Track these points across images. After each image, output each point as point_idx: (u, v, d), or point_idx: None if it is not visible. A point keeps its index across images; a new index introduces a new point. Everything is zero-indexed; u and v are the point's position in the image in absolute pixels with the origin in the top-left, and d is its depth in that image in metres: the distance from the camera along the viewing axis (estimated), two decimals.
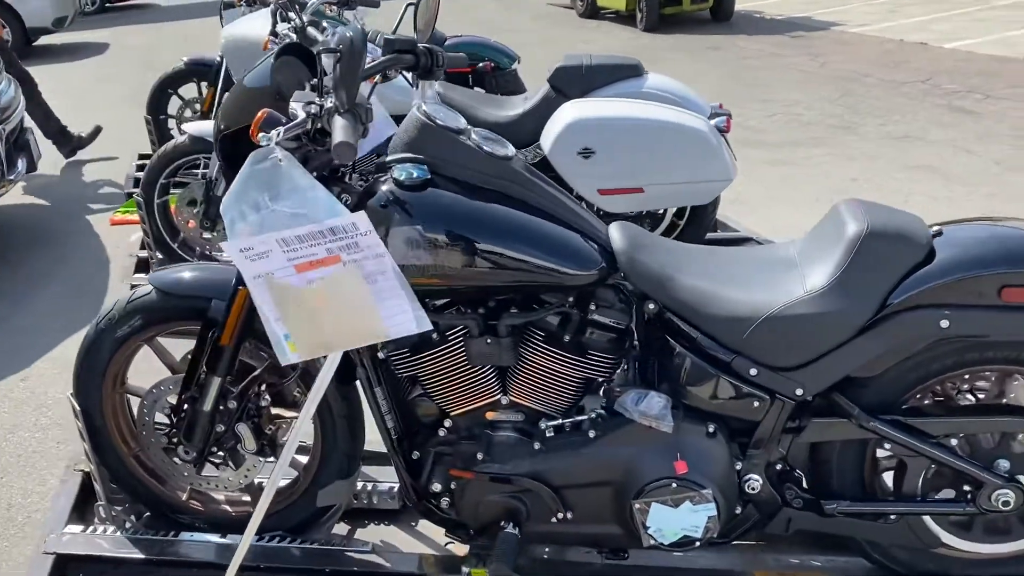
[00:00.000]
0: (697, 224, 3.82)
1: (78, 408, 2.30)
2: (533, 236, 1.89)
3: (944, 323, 1.79)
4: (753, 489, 1.97)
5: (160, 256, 4.17)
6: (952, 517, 1.98)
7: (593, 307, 1.98)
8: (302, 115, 1.71)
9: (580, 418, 2.01)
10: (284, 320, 1.74)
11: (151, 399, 2.28)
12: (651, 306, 1.96)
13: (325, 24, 3.57)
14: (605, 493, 1.96)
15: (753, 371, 1.88)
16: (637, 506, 1.91)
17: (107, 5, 15.62)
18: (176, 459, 2.29)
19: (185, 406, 2.20)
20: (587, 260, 1.91)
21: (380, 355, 2.10)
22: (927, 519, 1.98)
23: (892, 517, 1.98)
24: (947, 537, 2.00)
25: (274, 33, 3.51)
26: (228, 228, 1.67)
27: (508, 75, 5.25)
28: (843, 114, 6.62)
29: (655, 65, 9.10)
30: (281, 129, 1.67)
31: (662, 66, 8.86)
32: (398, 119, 2.20)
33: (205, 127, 4.03)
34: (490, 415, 2.08)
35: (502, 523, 1.98)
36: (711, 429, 1.91)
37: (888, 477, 2.07)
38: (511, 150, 1.98)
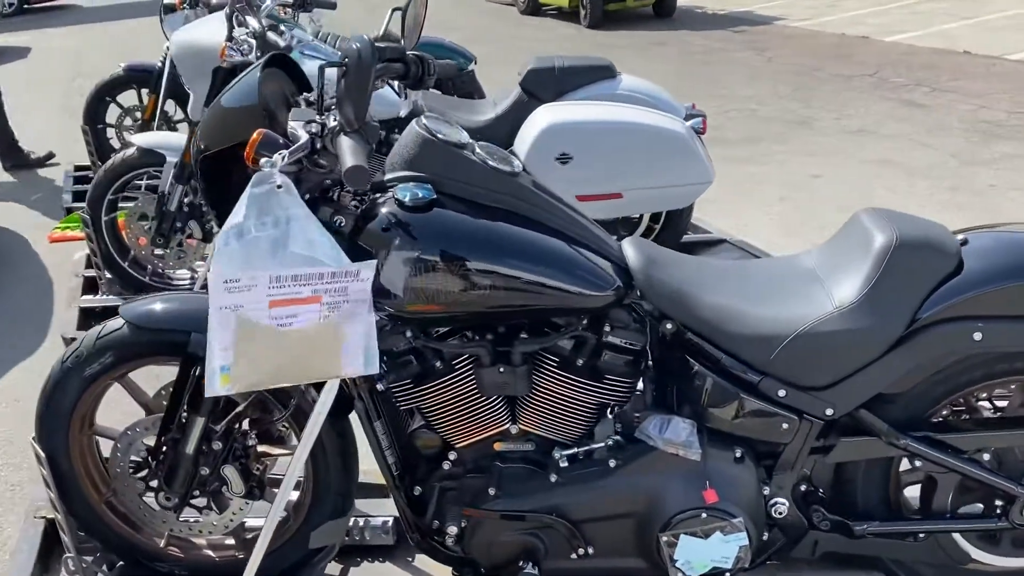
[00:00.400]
0: (673, 228, 3.75)
1: (42, 453, 2.10)
2: (547, 257, 1.77)
3: (977, 336, 1.73)
4: (780, 513, 1.88)
5: (109, 276, 3.93)
6: (980, 532, 1.93)
7: (608, 328, 1.87)
8: (304, 136, 1.57)
9: (597, 446, 1.90)
10: (231, 352, 1.60)
11: (126, 441, 2.10)
12: (668, 326, 1.86)
13: (283, 28, 3.40)
14: (628, 526, 1.85)
15: (781, 392, 1.79)
16: (665, 539, 1.80)
17: (25, 6, 14.94)
18: (154, 504, 2.11)
19: (164, 448, 2.02)
20: (604, 280, 1.80)
21: (379, 387, 1.96)
22: (956, 535, 1.92)
23: (921, 535, 1.91)
24: (976, 553, 1.94)
25: (231, 39, 3.31)
26: (216, 256, 1.52)
27: (466, 76, 5.12)
28: (797, 109, 6.65)
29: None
30: (285, 153, 1.52)
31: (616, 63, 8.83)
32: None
33: (155, 138, 3.81)
34: (498, 446, 1.96)
35: (520, 563, 1.86)
36: (738, 454, 1.82)
37: (910, 493, 2.00)
38: (517, 164, 1.86)
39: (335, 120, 1.57)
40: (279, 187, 1.48)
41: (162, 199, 3.69)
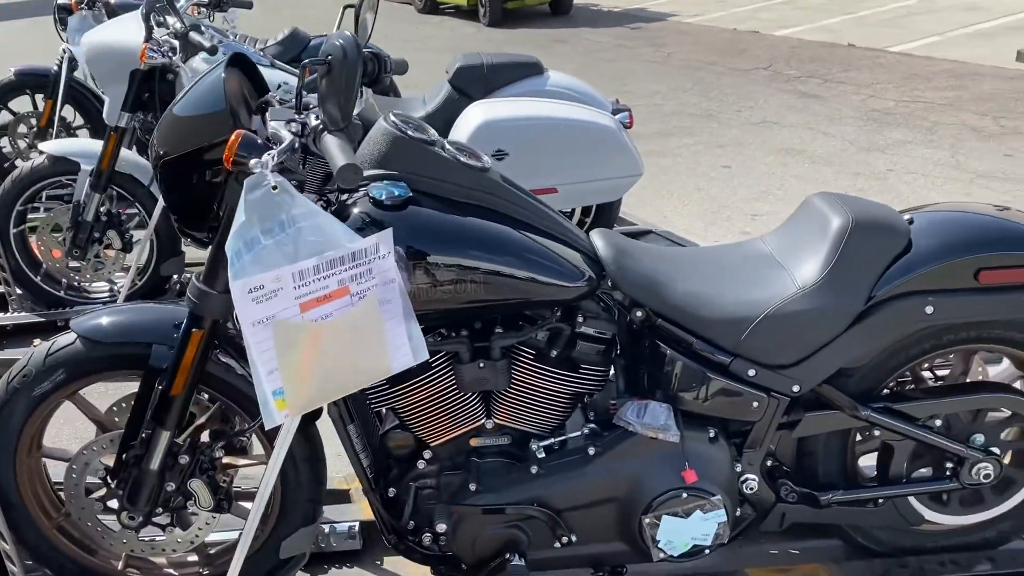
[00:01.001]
0: (603, 220, 3.82)
1: None
2: (523, 250, 1.79)
3: (929, 309, 1.84)
4: (751, 489, 1.95)
5: (20, 292, 3.73)
6: (932, 495, 2.05)
7: (580, 319, 1.90)
8: (287, 136, 1.53)
9: (574, 435, 1.93)
10: (279, 372, 1.54)
11: (81, 461, 2.00)
12: (639, 313, 1.90)
13: (204, 28, 3.30)
14: (611, 511, 1.89)
15: (751, 372, 1.86)
16: (647, 521, 1.85)
17: None
18: (113, 525, 2.03)
19: (126, 466, 1.94)
20: (579, 271, 1.83)
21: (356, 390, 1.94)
22: (912, 499, 2.04)
23: (881, 501, 2.02)
24: (929, 514, 2.06)
25: (150, 39, 3.19)
26: (232, 267, 1.46)
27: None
28: (701, 103, 6.86)
29: None
30: (274, 152, 1.48)
31: None
32: None
33: (68, 146, 3.63)
34: (474, 441, 1.96)
35: (507, 555, 1.87)
36: (712, 434, 1.88)
37: (864, 463, 2.11)
38: (487, 160, 1.87)
39: (316, 119, 1.54)
40: (274, 188, 1.45)
41: (77, 209, 3.53)
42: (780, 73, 7.70)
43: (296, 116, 1.58)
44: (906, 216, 1.93)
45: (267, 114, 1.65)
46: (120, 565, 2.15)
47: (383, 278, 1.55)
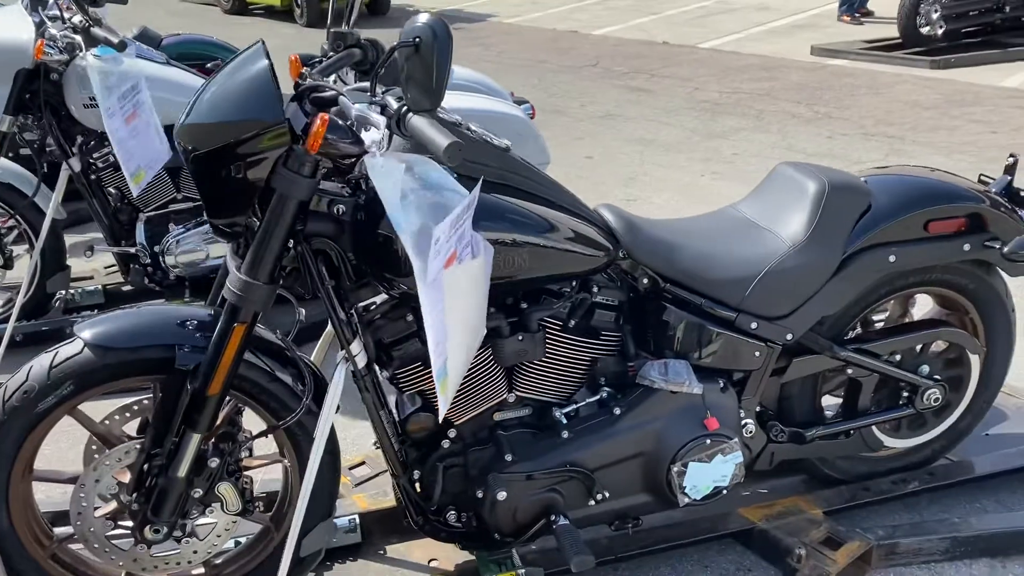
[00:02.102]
0: None
1: None
2: (555, 225, 1.89)
3: (892, 258, 2.12)
4: (749, 432, 2.16)
5: None
6: (890, 422, 2.34)
7: (595, 289, 2.02)
8: (378, 118, 1.53)
9: (596, 398, 2.04)
10: (448, 344, 1.56)
11: (91, 479, 1.87)
12: (645, 280, 2.05)
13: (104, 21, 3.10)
14: (639, 464, 2.02)
15: (753, 324, 2.06)
16: (675, 469, 2.00)
17: None
18: (122, 544, 1.92)
19: (150, 476, 1.84)
20: (600, 243, 1.95)
21: (384, 374, 1.96)
22: (874, 428, 2.32)
23: (852, 432, 2.29)
24: (888, 440, 2.36)
25: (44, 35, 2.95)
26: (403, 223, 1.49)
27: None
28: (546, 99, 7.13)
29: None
30: (384, 133, 1.48)
31: None
32: None
33: None
34: (497, 415, 2.04)
35: (552, 517, 1.95)
36: (722, 384, 2.07)
37: (826, 401, 2.38)
38: (506, 141, 1.94)
39: (397, 101, 1.56)
40: (383, 166, 1.46)
41: None
42: (609, 70, 8.14)
43: (374, 97, 1.58)
44: (863, 179, 2.20)
45: (341, 96, 1.63)
46: None
47: (468, 237, 1.58)
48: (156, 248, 3.43)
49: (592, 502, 2.02)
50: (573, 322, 2.01)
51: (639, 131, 6.24)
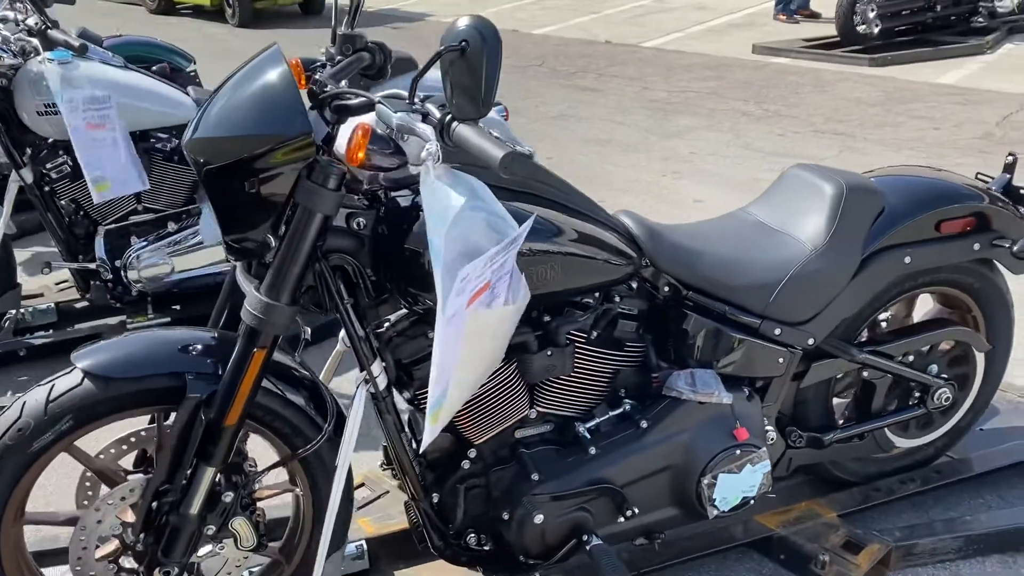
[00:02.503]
0: None
1: None
2: (582, 234, 1.82)
3: (907, 259, 2.12)
4: (771, 440, 2.13)
5: None
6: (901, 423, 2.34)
7: (617, 299, 1.96)
8: (425, 127, 1.43)
9: (619, 411, 1.98)
10: (452, 376, 1.45)
11: (92, 520, 1.73)
12: (666, 288, 2.00)
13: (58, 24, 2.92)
14: (668, 477, 1.97)
15: (777, 331, 2.02)
16: (706, 481, 1.95)
17: None
18: None
19: (160, 513, 1.71)
20: (627, 251, 1.89)
21: (405, 396, 1.86)
22: (887, 429, 2.32)
23: (866, 435, 2.28)
24: (898, 441, 2.36)
25: None
26: (441, 252, 1.39)
27: (186, 77, 4.73)
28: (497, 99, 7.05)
29: None
30: (436, 144, 1.39)
31: None
32: None
33: None
34: (518, 433, 1.96)
35: (583, 536, 1.88)
36: (747, 392, 2.03)
37: (837, 403, 2.37)
38: (529, 147, 1.86)
39: (439, 108, 1.47)
40: (439, 177, 1.36)
41: None
42: (555, 70, 8.10)
43: (414, 105, 1.49)
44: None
45: (376, 107, 1.53)
46: None
47: (509, 267, 1.50)
48: (117, 263, 3.24)
49: (621, 519, 1.95)
50: (596, 334, 1.94)
51: (595, 131, 6.21)
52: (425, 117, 1.47)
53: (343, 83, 1.78)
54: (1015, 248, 2.17)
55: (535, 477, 1.89)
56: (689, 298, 2.00)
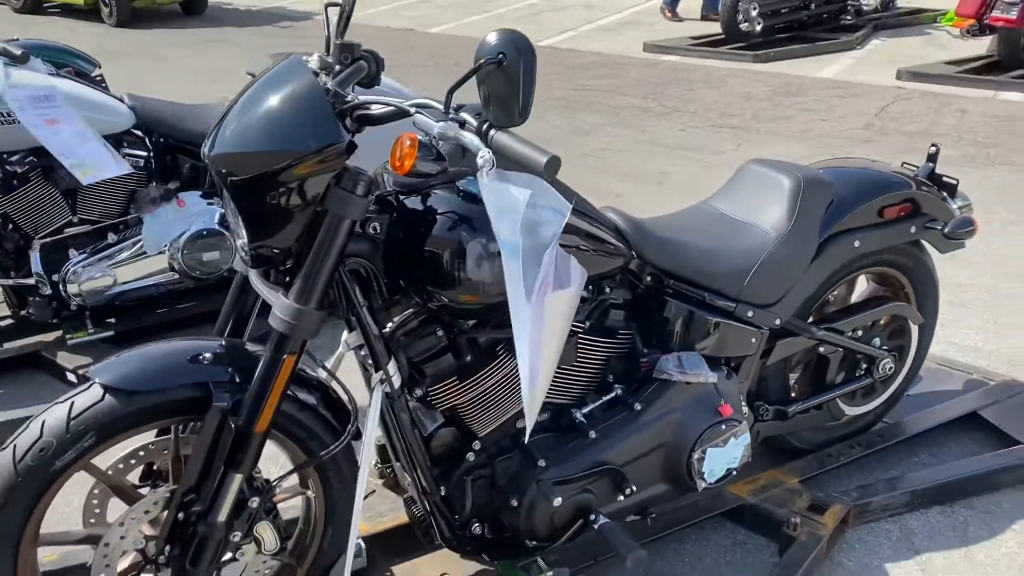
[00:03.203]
0: None
1: None
2: (581, 230, 1.92)
3: (857, 243, 2.33)
4: (745, 415, 2.29)
5: None
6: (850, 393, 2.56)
7: (608, 289, 2.08)
8: (472, 136, 1.49)
9: (612, 395, 2.10)
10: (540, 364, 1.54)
11: (116, 537, 1.71)
12: (649, 278, 2.13)
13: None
14: (662, 455, 2.10)
15: (750, 313, 2.19)
16: (696, 456, 2.09)
17: None
18: None
19: (187, 524, 1.71)
20: (619, 245, 2.01)
21: (419, 392, 1.92)
22: (839, 400, 2.53)
23: (822, 405, 2.49)
24: (848, 409, 2.58)
25: None
26: (514, 247, 1.49)
27: (93, 82, 4.57)
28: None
29: (168, 62, 8.45)
30: (489, 153, 1.45)
31: (177, 63, 8.30)
32: None
33: None
34: (519, 423, 2.05)
35: (590, 516, 1.99)
36: (726, 371, 2.18)
37: (792, 377, 2.57)
38: None
39: (475, 116, 1.53)
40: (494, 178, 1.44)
41: None
42: (448, 69, 8.17)
43: (448, 114, 1.55)
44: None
45: (415, 115, 1.57)
46: None
47: (554, 255, 1.59)
48: (55, 276, 3.13)
49: (621, 497, 2.07)
50: (590, 324, 2.06)
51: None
52: (462, 125, 1.54)
53: (348, 89, 1.81)
54: (946, 229, 2.41)
55: (541, 463, 1.99)
56: (671, 286, 2.14)
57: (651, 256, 2.09)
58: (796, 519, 2.29)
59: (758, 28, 8.38)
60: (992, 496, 2.55)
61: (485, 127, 1.52)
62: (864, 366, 2.53)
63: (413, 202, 1.78)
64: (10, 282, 3.15)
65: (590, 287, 2.04)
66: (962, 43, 8.03)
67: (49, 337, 3.29)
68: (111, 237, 3.23)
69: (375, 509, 2.40)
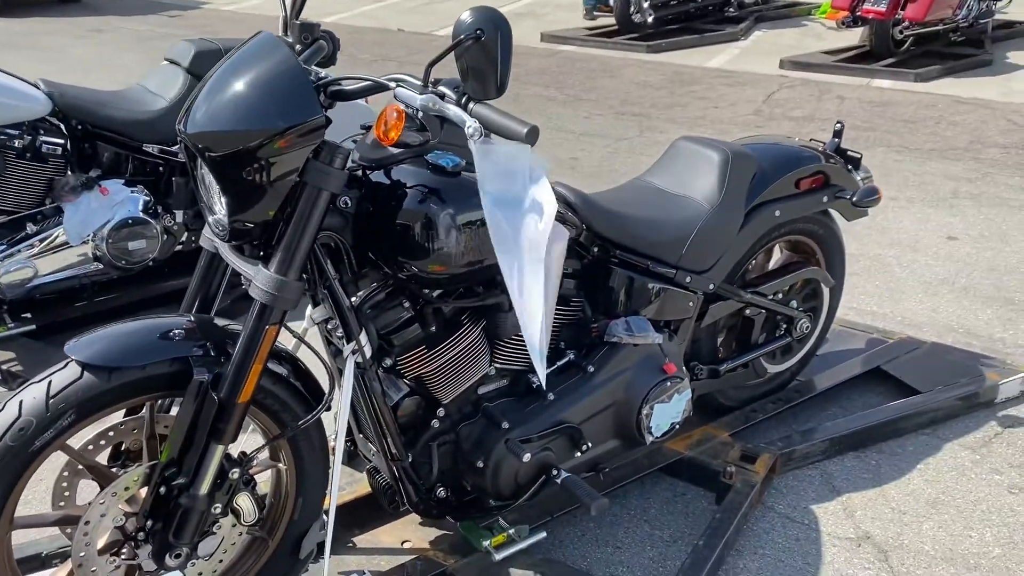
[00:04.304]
0: None
1: None
2: None
3: (777, 212, 2.53)
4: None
5: None
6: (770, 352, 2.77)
7: None
8: (454, 108, 1.56)
9: (566, 360, 2.23)
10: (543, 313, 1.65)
11: (96, 515, 1.72)
12: (596, 248, 2.27)
13: None
14: (614, 412, 2.23)
15: (688, 279, 2.36)
16: (645, 411, 2.24)
17: None
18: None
19: (168, 498, 1.74)
20: (572, 219, 2.13)
21: (388, 362, 1.99)
22: (762, 358, 2.74)
23: (749, 364, 2.68)
24: (770, 368, 2.79)
25: None
26: (518, 207, 1.58)
27: None
28: None
29: (49, 52, 8.07)
30: (477, 124, 1.52)
31: (58, 53, 7.94)
32: None
33: None
34: (481, 389, 2.15)
35: (552, 471, 2.11)
36: (669, 332, 2.34)
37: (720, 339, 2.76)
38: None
39: (451, 91, 1.60)
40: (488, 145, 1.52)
41: None
42: (355, 57, 8.14)
43: (427, 88, 1.61)
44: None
45: (396, 90, 1.63)
46: None
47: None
48: None
49: (578, 453, 2.20)
50: None
51: None
52: (442, 98, 1.62)
53: (317, 68, 1.86)
54: (854, 199, 2.64)
55: (504, 425, 2.09)
56: (617, 256, 2.28)
57: (598, 227, 2.23)
58: (731, 468, 2.48)
59: (649, 20, 8.69)
60: (898, 441, 2.81)
61: (464, 100, 1.61)
62: (784, 326, 2.74)
63: (382, 176, 1.85)
64: None
65: None
66: (836, 34, 8.54)
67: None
68: (30, 228, 3.13)
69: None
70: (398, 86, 1.66)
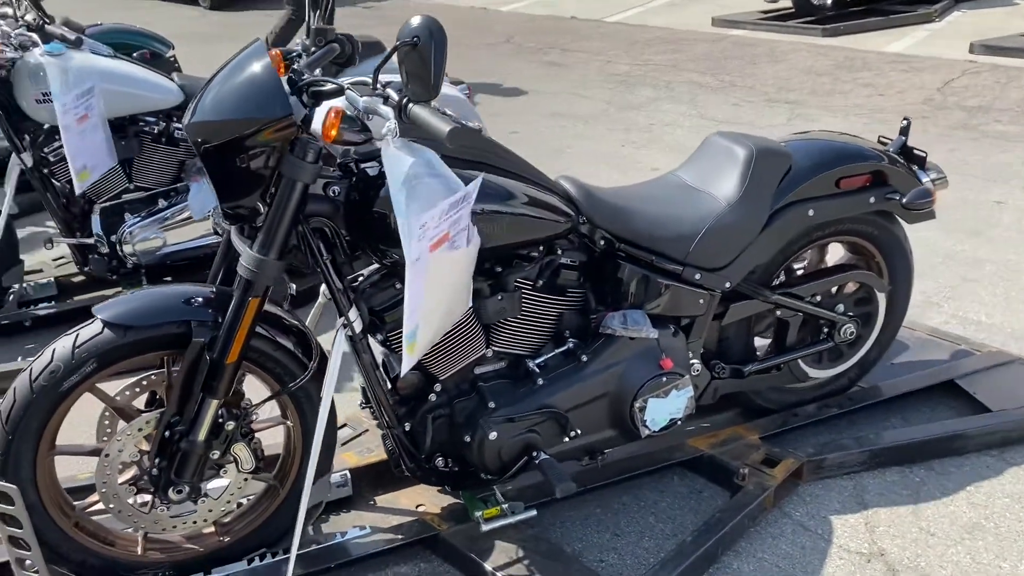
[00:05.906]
0: None
1: (14, 491, 1.96)
2: (526, 196, 2.13)
3: (811, 212, 2.45)
4: (696, 371, 2.46)
5: None
6: (814, 355, 2.69)
7: (559, 251, 2.28)
8: (387, 109, 1.73)
9: (564, 348, 2.30)
10: (419, 313, 1.78)
11: (115, 450, 2.04)
12: (602, 242, 2.32)
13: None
14: (606, 403, 2.29)
15: (697, 276, 2.35)
16: (638, 405, 2.28)
17: None
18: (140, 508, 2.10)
19: (173, 441, 2.02)
20: (565, 210, 2.21)
21: (379, 336, 2.17)
22: (800, 361, 2.66)
23: (782, 366, 2.62)
24: (811, 371, 2.71)
25: None
26: (403, 207, 1.69)
27: (166, 63, 4.98)
28: (465, 77, 7.32)
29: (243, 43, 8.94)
30: (394, 123, 1.69)
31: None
32: None
33: None
34: (478, 370, 2.27)
35: (534, 453, 2.21)
36: (673, 329, 2.36)
37: (758, 341, 2.71)
38: (478, 123, 2.16)
39: (398, 92, 1.76)
40: (399, 148, 1.67)
41: None
42: (521, 46, 8.38)
43: (376, 90, 1.78)
44: (783, 143, 2.52)
45: (346, 92, 1.83)
46: (140, 550, 2.19)
47: (465, 222, 1.82)
48: (113, 237, 3.53)
49: (567, 439, 2.28)
50: (542, 282, 2.26)
51: (557, 105, 6.51)
52: (386, 100, 1.77)
53: (317, 71, 2.07)
54: (904, 200, 2.50)
55: (491, 405, 2.21)
56: (622, 249, 2.32)
57: (600, 221, 2.28)
58: (745, 469, 2.45)
59: (829, 2, 8.25)
60: (955, 460, 2.64)
61: (404, 101, 1.75)
62: (825, 330, 2.65)
63: (369, 170, 2.03)
64: (74, 241, 3.56)
65: (540, 248, 2.24)
66: None
67: (110, 292, 3.70)
68: (162, 203, 3.60)
69: (364, 445, 2.68)
70: (348, 88, 1.82)
